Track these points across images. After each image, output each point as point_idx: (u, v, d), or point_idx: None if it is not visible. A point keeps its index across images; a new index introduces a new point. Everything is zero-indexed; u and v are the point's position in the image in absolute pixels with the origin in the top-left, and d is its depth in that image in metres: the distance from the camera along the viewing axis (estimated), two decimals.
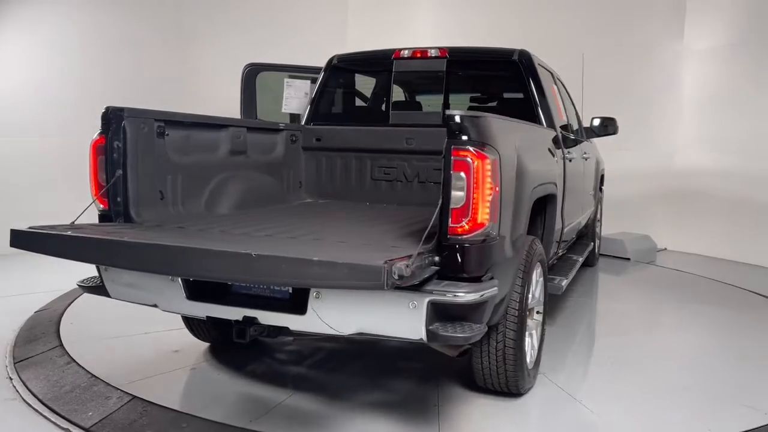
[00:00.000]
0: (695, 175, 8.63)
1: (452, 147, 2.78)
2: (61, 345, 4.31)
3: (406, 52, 5.05)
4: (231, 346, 4.22)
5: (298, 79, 6.30)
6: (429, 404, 3.54)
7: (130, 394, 3.50)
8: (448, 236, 2.81)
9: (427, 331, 2.74)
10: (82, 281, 3.49)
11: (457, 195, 2.79)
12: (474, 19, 9.32)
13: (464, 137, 2.79)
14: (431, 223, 2.83)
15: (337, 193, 5.25)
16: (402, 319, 2.79)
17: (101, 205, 3.56)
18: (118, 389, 3.57)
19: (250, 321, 3.07)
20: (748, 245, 7.91)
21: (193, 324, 4.22)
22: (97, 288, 3.41)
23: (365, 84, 5.62)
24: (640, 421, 3.38)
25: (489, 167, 2.78)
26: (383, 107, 5.39)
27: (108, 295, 3.38)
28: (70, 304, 5.30)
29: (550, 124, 4.61)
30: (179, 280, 3.12)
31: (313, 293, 2.86)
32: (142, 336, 4.54)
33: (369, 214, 4.39)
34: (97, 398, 3.48)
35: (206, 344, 4.39)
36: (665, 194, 9.00)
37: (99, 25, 8.16)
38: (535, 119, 4.62)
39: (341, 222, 3.95)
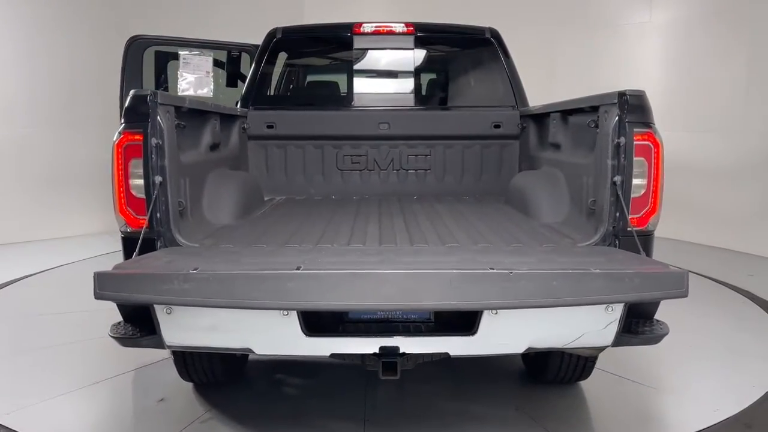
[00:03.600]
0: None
1: (634, 130, 2.56)
2: None
3: (368, 27, 4.55)
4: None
5: (197, 56, 5.28)
6: None
7: None
8: (628, 227, 2.60)
9: (621, 334, 2.51)
10: (115, 332, 2.47)
11: (638, 183, 2.59)
12: None
13: (641, 119, 2.59)
14: (605, 215, 2.59)
15: (295, 189, 4.56)
16: (593, 326, 2.50)
17: (131, 226, 2.55)
18: None
19: (391, 351, 2.49)
20: (722, 229, 7.44)
21: (189, 361, 3.29)
22: (145, 338, 2.45)
23: (314, 63, 4.94)
24: None
25: (662, 152, 2.64)
26: (343, 88, 4.79)
27: (162, 346, 2.45)
28: None
29: (524, 106, 4.58)
30: (295, 313, 2.38)
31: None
32: None
33: (370, 210, 3.89)
34: None
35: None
36: None
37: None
38: (514, 101, 4.54)
39: (392, 220, 3.41)
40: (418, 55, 4.67)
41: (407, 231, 3.02)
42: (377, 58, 4.68)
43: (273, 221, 3.33)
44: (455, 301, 2.05)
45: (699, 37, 7.67)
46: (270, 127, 4.46)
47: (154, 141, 2.52)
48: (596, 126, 2.81)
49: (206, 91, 5.39)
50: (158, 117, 2.54)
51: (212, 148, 3.58)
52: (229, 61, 5.35)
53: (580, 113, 3.26)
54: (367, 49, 4.63)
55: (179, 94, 5.33)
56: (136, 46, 5.08)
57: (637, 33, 8.27)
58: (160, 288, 2.03)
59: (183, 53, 5.25)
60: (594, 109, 2.89)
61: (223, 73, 5.47)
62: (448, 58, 5.19)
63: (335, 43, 4.79)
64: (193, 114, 3.24)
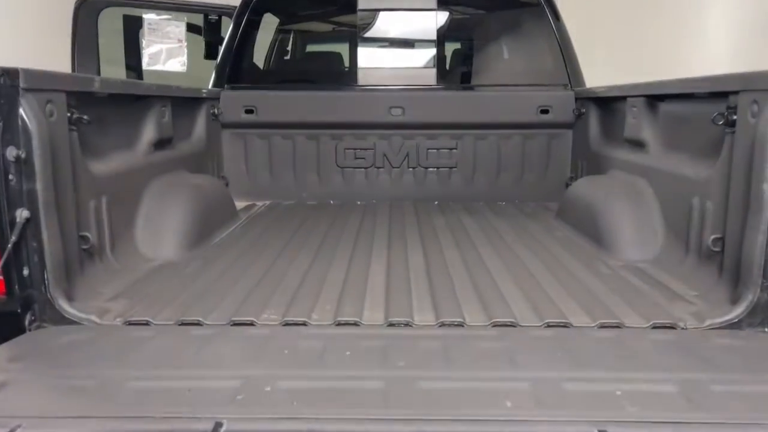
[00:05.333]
0: None
1: None
2: None
3: None
4: None
5: (167, 20, 4.25)
6: None
7: None
8: None
9: None
10: None
11: None
12: None
13: None
14: (755, 271, 1.58)
15: (283, 192, 3.57)
16: None
17: None
18: None
19: None
20: None
21: None
22: None
23: (307, 29, 3.90)
24: None
25: None
26: (345, 62, 3.76)
27: None
28: None
29: (579, 85, 3.52)
30: None
31: None
32: None
33: (376, 230, 2.89)
34: None
35: None
36: None
37: None
38: (566, 78, 3.49)
39: (406, 253, 2.40)
40: (442, 19, 3.61)
41: (428, 280, 2.01)
42: (389, 22, 3.61)
43: (236, 254, 2.35)
44: None
45: None
46: (249, 111, 3.46)
47: (12, 152, 1.53)
48: (726, 122, 1.79)
49: (178, 64, 4.38)
50: (21, 111, 1.55)
51: (158, 145, 2.59)
52: (208, 26, 4.29)
53: (686, 100, 2.22)
54: (377, 10, 3.57)
55: (145, 68, 4.35)
56: (87, 8, 4.06)
57: None
58: None
59: (148, 17, 4.23)
60: (718, 96, 1.87)
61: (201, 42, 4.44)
62: (481, 22, 4.09)
63: (334, 3, 3.74)
64: (117, 101, 2.25)
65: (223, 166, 3.51)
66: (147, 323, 1.64)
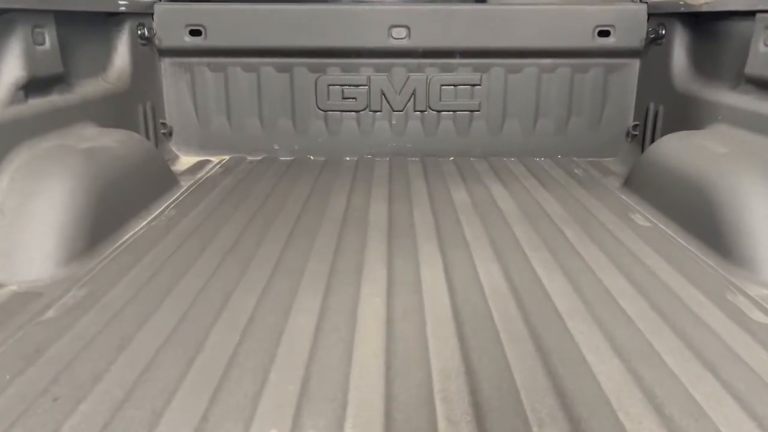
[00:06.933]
0: None
1: None
2: None
3: None
4: None
5: None
6: None
7: None
8: None
9: None
10: None
11: None
12: None
13: None
14: None
15: (247, 143, 2.67)
16: None
17: None
18: None
19: None
20: None
21: None
22: None
23: None
24: None
25: None
26: None
27: None
28: None
29: None
30: None
31: None
32: None
33: (371, 206, 2.05)
34: None
35: None
36: None
37: None
38: None
39: (406, 251, 1.53)
40: None
41: (456, 326, 1.15)
42: None
43: (150, 269, 1.48)
44: None
45: None
46: (196, 33, 2.50)
47: None
48: None
49: None
50: None
51: (33, 89, 1.68)
52: None
53: None
54: None
55: None
56: None
57: None
58: None
59: None
60: None
61: None
62: None
63: None
64: None
65: (163, 111, 2.59)
66: None
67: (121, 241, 1.66)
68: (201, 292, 1.34)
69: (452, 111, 2.64)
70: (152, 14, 2.46)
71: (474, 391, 0.98)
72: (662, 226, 1.76)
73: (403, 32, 2.51)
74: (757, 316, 1.24)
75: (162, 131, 2.57)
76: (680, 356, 1.09)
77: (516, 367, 1.05)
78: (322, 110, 2.64)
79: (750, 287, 1.37)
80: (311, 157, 2.64)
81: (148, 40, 2.43)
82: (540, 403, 0.96)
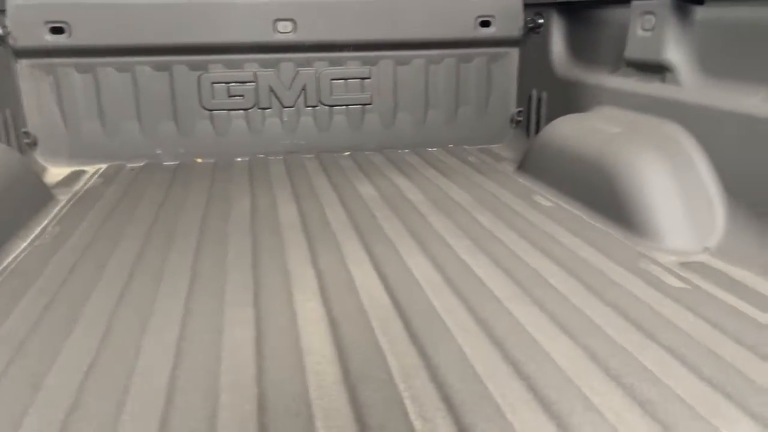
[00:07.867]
0: None
1: None
2: None
3: None
4: None
5: None
6: None
7: None
8: None
9: None
10: None
11: None
12: None
13: None
14: None
15: (127, 149, 2.46)
16: None
17: None
18: None
19: None
20: None
21: None
22: None
23: None
24: None
25: None
26: None
27: None
28: None
29: None
30: None
31: None
32: None
33: (257, 220, 1.97)
34: None
35: None
36: None
37: None
38: None
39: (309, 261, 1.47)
40: None
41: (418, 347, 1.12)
42: None
43: (53, 293, 1.30)
44: None
45: None
46: (58, 30, 2.26)
47: None
48: None
49: None
50: None
51: None
52: None
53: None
54: None
55: None
56: None
57: None
58: None
59: None
60: None
61: None
62: None
63: None
64: None
65: (24, 119, 2.32)
66: None
67: (3, 265, 1.45)
68: (113, 315, 1.20)
69: (344, 105, 2.60)
70: (4, 10, 2.18)
71: (440, 386, 0.96)
72: (565, 205, 1.84)
73: (289, 26, 2.43)
74: (672, 281, 1.32)
75: (25, 141, 2.30)
76: (620, 327, 1.13)
77: (473, 356, 1.04)
78: (208, 110, 2.49)
79: (659, 255, 1.46)
80: (199, 160, 2.49)
81: (1, 40, 2.16)
82: (507, 389, 0.95)
